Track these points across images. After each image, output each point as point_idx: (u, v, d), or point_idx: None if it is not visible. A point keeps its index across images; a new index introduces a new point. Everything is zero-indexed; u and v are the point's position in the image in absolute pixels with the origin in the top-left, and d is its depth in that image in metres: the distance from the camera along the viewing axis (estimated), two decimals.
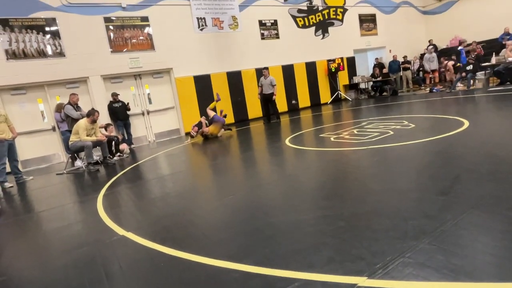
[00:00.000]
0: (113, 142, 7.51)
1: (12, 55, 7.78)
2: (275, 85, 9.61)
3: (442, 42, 15.28)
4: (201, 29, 10.44)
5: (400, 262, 1.83)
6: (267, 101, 9.85)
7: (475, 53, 11.91)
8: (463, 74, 10.62)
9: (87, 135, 6.59)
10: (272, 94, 9.61)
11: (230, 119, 11.03)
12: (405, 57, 13.96)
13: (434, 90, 11.46)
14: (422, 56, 14.54)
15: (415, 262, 1.81)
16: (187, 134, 9.43)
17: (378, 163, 3.94)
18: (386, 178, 3.37)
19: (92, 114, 6.65)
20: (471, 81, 10.53)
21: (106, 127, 7.73)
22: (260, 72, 11.46)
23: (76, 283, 2.20)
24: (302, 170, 4.29)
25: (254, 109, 11.53)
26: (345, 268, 1.85)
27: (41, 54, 8.12)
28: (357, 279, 1.74)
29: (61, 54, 8.34)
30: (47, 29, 8.15)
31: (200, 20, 10.39)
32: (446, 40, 15.31)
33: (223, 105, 10.85)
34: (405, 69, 13.77)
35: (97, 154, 7.10)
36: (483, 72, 10.90)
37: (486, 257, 1.77)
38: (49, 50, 8.20)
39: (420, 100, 9.60)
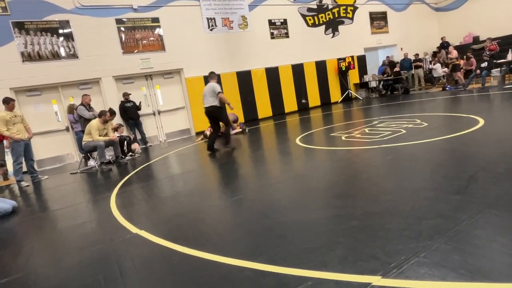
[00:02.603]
0: (125, 142, 7.62)
1: (28, 57, 7.96)
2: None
3: (455, 39, 14.98)
4: (211, 29, 10.49)
5: (415, 262, 1.80)
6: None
7: (490, 49, 11.64)
8: (478, 71, 10.39)
9: (100, 135, 6.70)
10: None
11: (239, 118, 11.04)
12: (416, 55, 13.73)
13: (447, 88, 11.26)
14: (434, 54, 14.28)
15: (431, 262, 1.78)
16: (198, 133, 9.48)
17: (391, 162, 3.89)
18: (399, 177, 3.32)
19: (103, 114, 6.76)
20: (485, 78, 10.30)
21: (117, 128, 7.81)
22: (270, 72, 11.49)
23: (91, 280, 2.24)
24: (313, 169, 4.27)
25: (264, 108, 11.53)
26: (359, 267, 1.84)
27: (55, 56, 8.28)
28: (371, 278, 1.72)
29: (74, 55, 8.50)
30: (60, 31, 8.31)
31: (210, 21, 10.44)
32: (459, 37, 15.01)
33: (233, 105, 10.86)
34: (417, 67, 13.55)
35: (109, 154, 7.20)
36: (498, 69, 10.64)
37: (505, 258, 1.73)
38: (62, 52, 8.36)
39: (432, 99, 9.44)
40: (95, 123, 6.70)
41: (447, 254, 1.83)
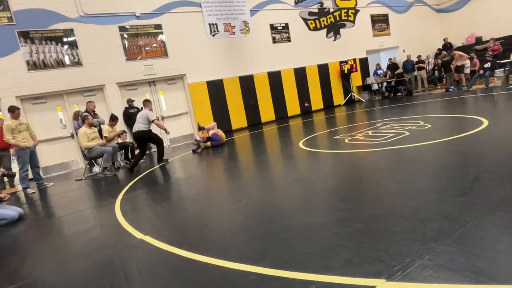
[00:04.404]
0: (129, 148, 7.67)
1: (33, 65, 8.07)
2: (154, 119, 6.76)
3: (457, 40, 14.95)
4: (213, 35, 10.57)
5: (419, 264, 1.80)
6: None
7: (493, 50, 11.59)
8: (481, 71, 10.35)
9: (91, 139, 6.69)
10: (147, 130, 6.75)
11: (243, 123, 11.09)
12: (419, 56, 13.72)
13: (450, 89, 11.21)
14: (437, 55, 14.25)
15: (435, 264, 1.77)
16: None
17: (395, 165, 3.88)
18: (403, 180, 3.31)
19: (86, 119, 6.78)
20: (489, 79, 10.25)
21: (120, 134, 7.83)
22: (272, 76, 11.54)
23: (97, 286, 2.25)
24: (317, 173, 4.26)
25: (267, 112, 11.56)
26: (363, 271, 1.83)
27: (60, 64, 8.39)
28: (376, 282, 1.72)
29: (78, 63, 8.60)
30: (65, 39, 8.42)
31: (212, 26, 10.53)
32: (462, 38, 14.97)
33: (236, 109, 10.93)
34: (420, 68, 13.53)
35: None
36: (502, 69, 10.59)
37: (511, 259, 1.72)
38: (67, 60, 8.47)
39: (436, 100, 9.41)
40: (82, 130, 6.66)
41: (452, 256, 1.82)
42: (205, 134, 8.20)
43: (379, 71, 13.84)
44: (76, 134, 8.34)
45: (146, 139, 6.93)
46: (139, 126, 6.67)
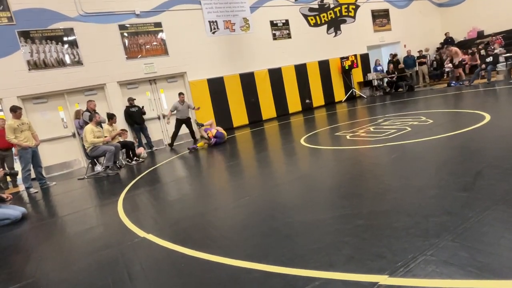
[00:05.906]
0: (130, 147, 7.67)
1: (34, 65, 8.07)
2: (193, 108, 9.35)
3: (459, 35, 14.85)
4: (213, 32, 10.54)
5: (422, 260, 1.80)
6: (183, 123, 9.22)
7: (495, 44, 11.51)
8: (483, 66, 10.29)
9: (98, 137, 6.73)
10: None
11: (244, 120, 11.09)
12: (420, 51, 13.65)
13: (452, 84, 11.16)
14: (438, 50, 14.17)
15: (438, 260, 1.77)
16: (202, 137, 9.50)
17: (396, 160, 3.87)
18: (405, 175, 3.31)
19: (94, 117, 6.87)
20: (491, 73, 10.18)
21: (121, 133, 7.82)
22: (273, 73, 11.52)
23: (101, 284, 2.26)
24: (318, 169, 4.26)
25: (268, 109, 11.54)
26: (366, 267, 1.84)
27: (60, 63, 8.39)
28: (378, 278, 1.72)
29: (79, 62, 8.60)
30: (65, 39, 8.42)
31: (212, 24, 10.50)
32: (463, 33, 14.87)
33: (237, 107, 10.92)
34: (421, 64, 13.46)
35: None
36: (504, 63, 10.52)
37: None
38: (67, 59, 8.47)
39: (437, 95, 9.37)
40: (89, 127, 6.72)
41: (455, 251, 1.82)
42: (210, 134, 8.14)
43: (378, 68, 13.79)
44: (78, 133, 8.38)
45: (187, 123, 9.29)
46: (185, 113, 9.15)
